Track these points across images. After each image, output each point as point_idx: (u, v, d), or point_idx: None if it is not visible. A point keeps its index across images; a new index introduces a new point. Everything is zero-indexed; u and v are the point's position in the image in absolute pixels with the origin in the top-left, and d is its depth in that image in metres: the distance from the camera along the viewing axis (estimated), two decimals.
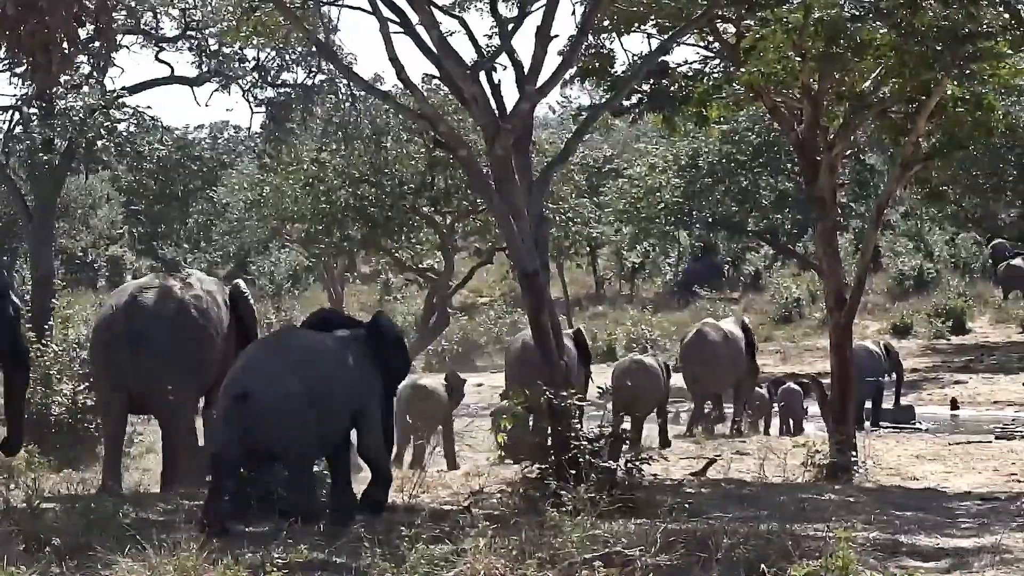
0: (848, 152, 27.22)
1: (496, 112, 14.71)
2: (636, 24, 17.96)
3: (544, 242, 15.11)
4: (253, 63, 31.87)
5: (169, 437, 14.76)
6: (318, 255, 43.92)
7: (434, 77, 16.45)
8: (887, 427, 26.23)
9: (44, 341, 18.69)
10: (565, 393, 12.98)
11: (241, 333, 14.92)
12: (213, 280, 15.70)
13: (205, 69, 31.22)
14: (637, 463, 12.86)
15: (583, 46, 16.57)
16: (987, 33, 15.75)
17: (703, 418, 23.92)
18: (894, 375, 28.72)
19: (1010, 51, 16.13)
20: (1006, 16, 15.97)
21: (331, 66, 28.62)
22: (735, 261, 55.40)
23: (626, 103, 17.88)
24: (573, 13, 16.32)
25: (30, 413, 16.02)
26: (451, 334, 42.07)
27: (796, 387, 25.65)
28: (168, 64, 31.72)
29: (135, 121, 30.77)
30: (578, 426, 12.80)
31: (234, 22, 18.37)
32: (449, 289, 43.77)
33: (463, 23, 16.04)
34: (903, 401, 29.47)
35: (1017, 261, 46.21)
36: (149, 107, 52.17)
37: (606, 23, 17.70)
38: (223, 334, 14.84)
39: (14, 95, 27.89)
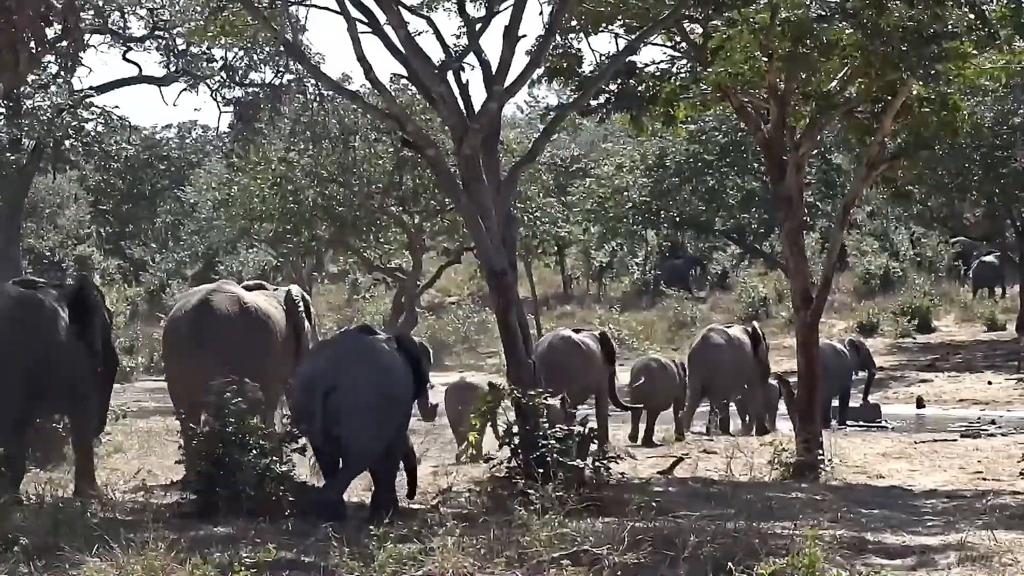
0: (814, 152, 27.32)
1: (464, 112, 14.74)
2: (604, 24, 17.98)
3: (512, 241, 15.12)
4: (221, 63, 31.93)
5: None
6: (286, 254, 43.87)
7: (402, 77, 16.39)
8: (853, 426, 26.34)
9: None
10: (533, 392, 13.02)
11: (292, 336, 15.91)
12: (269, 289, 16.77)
13: (173, 69, 31.24)
14: (604, 462, 12.91)
15: (551, 46, 16.60)
16: (952, 34, 15.80)
17: (716, 420, 24.03)
18: (865, 372, 28.84)
19: (975, 51, 16.24)
20: (971, 17, 15.99)
21: (299, 66, 28.72)
22: (702, 260, 55.56)
23: (593, 103, 17.89)
24: (541, 13, 16.34)
25: None
26: (419, 333, 42.04)
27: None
28: (136, 64, 31.76)
29: (103, 121, 30.77)
30: (545, 424, 12.82)
31: (202, 22, 18.37)
32: (417, 288, 43.80)
33: (431, 23, 16.06)
34: (869, 399, 29.62)
35: (989, 258, 46.51)
36: (117, 107, 52.21)
37: (574, 23, 17.73)
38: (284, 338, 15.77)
39: None
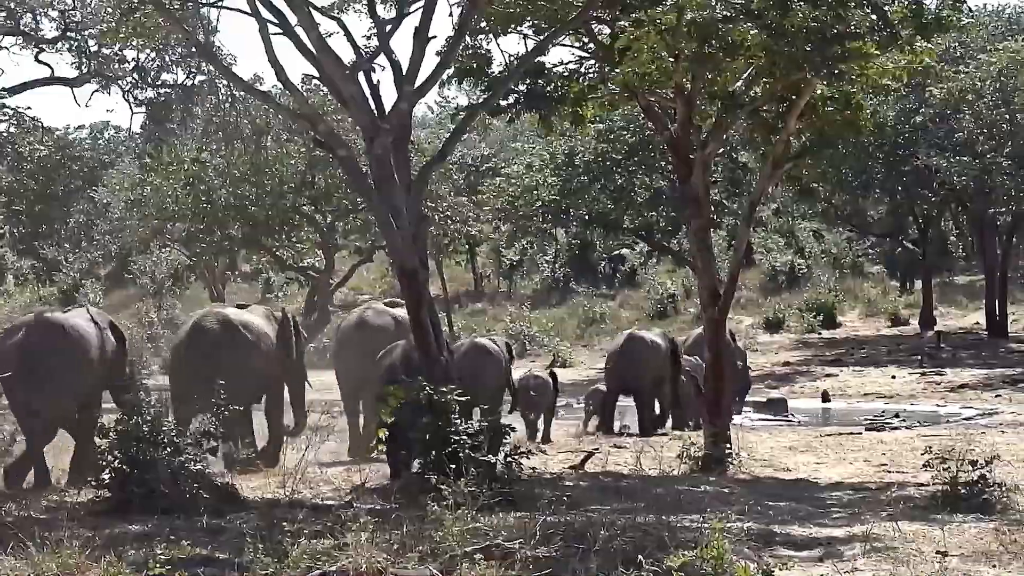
0: (720, 151, 27.48)
1: (375, 112, 14.83)
2: (512, 25, 18.03)
3: (423, 240, 15.23)
4: (133, 64, 31.77)
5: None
6: (199, 254, 43.67)
7: (313, 78, 16.50)
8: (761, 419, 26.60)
9: None
10: (444, 389, 13.11)
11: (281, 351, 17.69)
12: (263, 309, 18.78)
13: (85, 70, 31.02)
14: (516, 457, 13.02)
15: (460, 47, 16.69)
16: (855, 34, 15.98)
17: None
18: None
19: (877, 52, 16.37)
20: (873, 18, 16.17)
21: (211, 67, 28.61)
22: (611, 258, 55.80)
23: (503, 103, 17.93)
24: (450, 14, 16.44)
25: None
26: (332, 331, 42.04)
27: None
28: (48, 65, 31.50)
29: (15, 122, 30.52)
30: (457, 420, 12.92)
31: (114, 23, 18.25)
32: (330, 287, 43.76)
33: (341, 24, 16.15)
34: (777, 394, 29.93)
35: None
36: (29, 108, 51.65)
37: (483, 24, 17.77)
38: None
39: None
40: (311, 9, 15.03)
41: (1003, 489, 12.60)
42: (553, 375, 23.50)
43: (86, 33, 30.15)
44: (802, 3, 15.78)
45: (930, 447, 13.80)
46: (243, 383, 15.97)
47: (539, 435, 21.71)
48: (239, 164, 38.98)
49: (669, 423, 23.74)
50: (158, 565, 8.70)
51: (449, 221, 42.74)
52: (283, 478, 13.76)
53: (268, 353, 17.35)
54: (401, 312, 18.72)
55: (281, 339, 17.71)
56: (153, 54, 31.03)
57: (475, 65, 17.83)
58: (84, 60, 30.75)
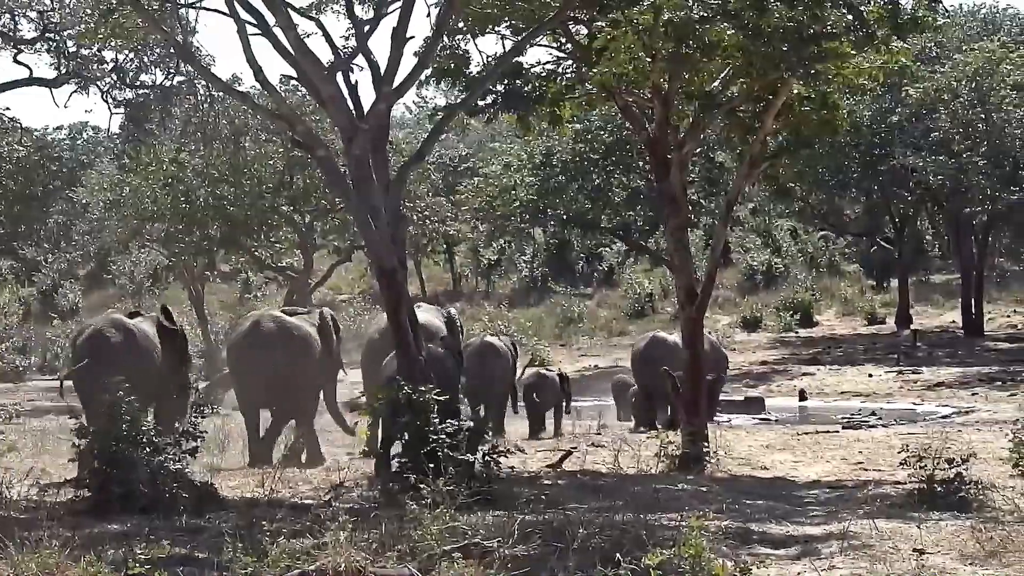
0: (697, 150, 27.57)
1: (353, 112, 14.84)
2: (490, 26, 18.08)
3: (402, 240, 15.25)
4: (112, 65, 31.75)
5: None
6: (178, 254, 43.56)
7: (292, 78, 16.49)
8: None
9: None
10: (424, 388, 13.13)
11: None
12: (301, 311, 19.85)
13: (64, 71, 31.00)
14: (494, 456, 13.05)
15: (438, 47, 16.71)
16: (831, 34, 16.02)
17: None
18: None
19: (853, 51, 16.45)
20: (849, 18, 16.21)
21: (189, 67, 28.57)
22: (589, 257, 55.88)
23: (481, 103, 18.00)
24: (428, 15, 16.43)
25: None
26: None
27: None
28: (27, 66, 31.51)
29: None
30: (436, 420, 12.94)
31: (92, 24, 18.25)
32: (309, 287, 43.70)
33: (320, 25, 16.14)
34: (754, 393, 30.04)
35: None
36: (8, 109, 51.61)
37: (461, 25, 17.82)
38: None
39: None
40: (289, 10, 15.04)
41: (979, 487, 12.63)
42: (562, 374, 23.79)
43: (65, 34, 30.11)
44: (779, 3, 15.80)
45: (907, 445, 13.82)
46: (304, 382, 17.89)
47: (539, 432, 22.09)
48: (218, 164, 38.93)
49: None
50: (137, 564, 8.66)
51: (427, 221, 42.75)
52: (262, 477, 13.77)
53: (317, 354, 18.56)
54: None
55: (322, 339, 18.69)
56: (132, 55, 31.03)
57: (453, 65, 17.88)
58: (63, 61, 30.72)
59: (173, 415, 15.40)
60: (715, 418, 24.38)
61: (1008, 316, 42.93)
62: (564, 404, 23.74)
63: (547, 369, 25.66)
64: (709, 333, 26.85)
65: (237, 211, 39.07)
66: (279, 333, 18.15)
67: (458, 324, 17.90)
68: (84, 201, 50.18)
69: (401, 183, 15.84)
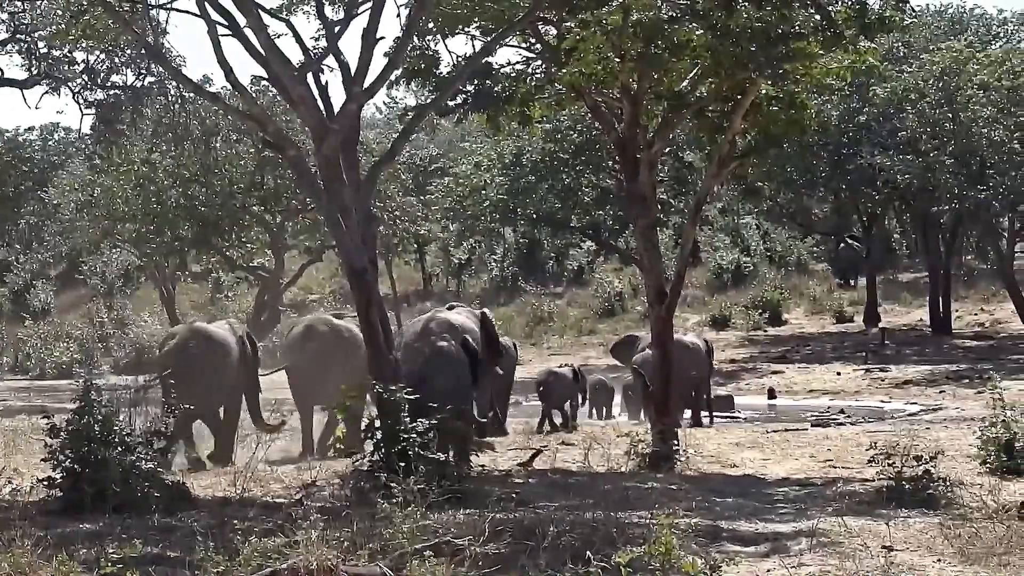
0: (667, 150, 27.68)
1: (324, 113, 14.88)
2: (460, 26, 18.11)
3: (372, 240, 15.28)
4: (83, 65, 31.65)
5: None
6: (149, 254, 43.57)
7: (262, 79, 16.46)
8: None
9: None
10: (394, 387, 13.16)
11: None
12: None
13: (35, 72, 30.91)
14: (465, 454, 13.09)
15: (408, 48, 16.75)
16: (799, 34, 16.08)
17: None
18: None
19: (821, 51, 16.52)
20: (817, 18, 16.26)
21: (160, 68, 28.50)
22: (558, 257, 55.97)
23: (451, 103, 18.00)
24: (398, 15, 16.46)
25: None
26: (282, 331, 42.01)
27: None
28: None
29: None
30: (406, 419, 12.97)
31: (63, 25, 18.22)
32: (280, 287, 43.73)
33: (290, 26, 16.21)
34: (723, 391, 30.11)
35: None
36: None
37: (431, 25, 17.84)
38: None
39: None
40: (259, 11, 15.05)
41: (947, 484, 12.73)
42: (576, 370, 23.96)
43: (36, 35, 30.03)
44: (747, 3, 15.86)
45: (875, 443, 13.91)
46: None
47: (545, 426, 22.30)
48: (189, 165, 38.93)
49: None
50: (109, 564, 8.66)
51: (398, 221, 42.81)
52: (234, 477, 13.79)
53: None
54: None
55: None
56: (103, 56, 30.94)
57: (423, 66, 17.90)
58: (34, 62, 30.64)
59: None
60: (704, 418, 24.63)
61: (975, 314, 43.10)
62: (580, 398, 24.21)
63: (560, 365, 25.90)
64: (685, 334, 27.08)
65: (208, 211, 39.11)
66: (332, 335, 19.82)
67: (493, 323, 17.47)
68: (56, 201, 50.20)
69: (372, 183, 15.87)
